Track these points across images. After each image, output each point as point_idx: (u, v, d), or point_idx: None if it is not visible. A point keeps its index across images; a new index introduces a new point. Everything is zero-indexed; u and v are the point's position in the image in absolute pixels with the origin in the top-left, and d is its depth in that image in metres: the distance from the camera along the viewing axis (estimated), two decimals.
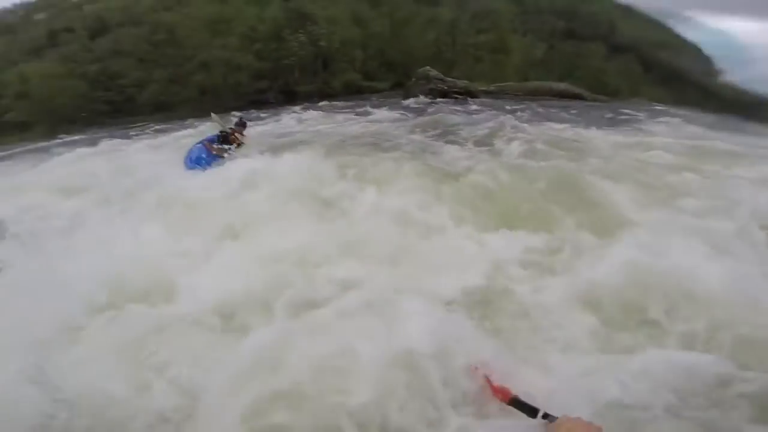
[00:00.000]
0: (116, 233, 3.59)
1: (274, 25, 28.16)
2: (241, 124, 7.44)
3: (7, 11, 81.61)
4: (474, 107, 15.90)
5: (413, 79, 22.21)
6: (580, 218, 3.58)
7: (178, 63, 27.67)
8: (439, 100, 19.70)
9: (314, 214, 3.70)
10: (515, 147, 5.71)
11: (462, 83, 21.38)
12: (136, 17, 44.31)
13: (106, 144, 12.86)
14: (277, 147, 6.66)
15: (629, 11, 79.26)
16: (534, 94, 24.71)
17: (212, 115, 7.95)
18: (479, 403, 1.45)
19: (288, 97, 26.12)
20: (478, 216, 3.57)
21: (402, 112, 14.92)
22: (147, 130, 20.04)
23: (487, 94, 25.91)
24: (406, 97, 20.65)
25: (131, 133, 17.26)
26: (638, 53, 49.51)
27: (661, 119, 12.10)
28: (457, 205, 3.79)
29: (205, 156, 6.60)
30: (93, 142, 14.20)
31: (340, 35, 29.31)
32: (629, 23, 67.26)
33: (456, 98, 19.12)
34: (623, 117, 12.69)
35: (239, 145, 7.11)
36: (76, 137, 22.78)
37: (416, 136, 7.21)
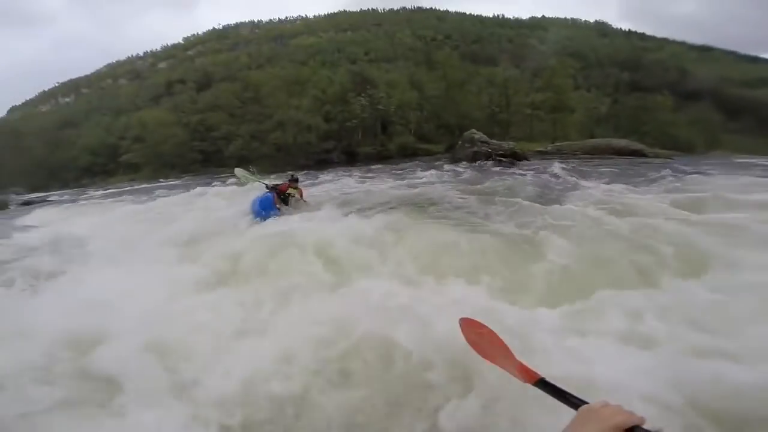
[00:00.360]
0: None
1: (341, 89, 31.14)
2: (294, 180, 7.04)
3: (137, 58, 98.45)
4: (518, 170, 15.02)
5: (459, 143, 22.12)
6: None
7: (260, 120, 31.30)
8: (486, 162, 19.65)
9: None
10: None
11: (508, 145, 20.93)
12: (233, 73, 51.47)
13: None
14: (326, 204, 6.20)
15: (708, 52, 72.47)
16: (592, 153, 24.47)
17: (236, 170, 8.01)
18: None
19: (350, 157, 28.30)
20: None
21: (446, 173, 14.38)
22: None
23: (543, 154, 25.98)
24: (453, 160, 20.53)
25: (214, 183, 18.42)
26: (719, 98, 46.81)
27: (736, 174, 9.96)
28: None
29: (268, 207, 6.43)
30: (186, 188, 16.07)
31: (398, 98, 31.34)
32: (707, 66, 60.55)
33: (500, 161, 18.61)
34: (679, 174, 9.93)
35: (290, 197, 6.89)
36: (174, 182, 26.31)
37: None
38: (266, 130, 30.10)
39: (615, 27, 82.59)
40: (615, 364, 1.83)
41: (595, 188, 7.99)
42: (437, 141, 31.13)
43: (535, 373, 1.15)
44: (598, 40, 75.14)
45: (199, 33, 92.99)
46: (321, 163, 27.00)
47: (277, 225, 5.25)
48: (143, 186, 24.12)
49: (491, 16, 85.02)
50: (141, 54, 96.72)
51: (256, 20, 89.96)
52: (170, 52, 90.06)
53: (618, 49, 70.39)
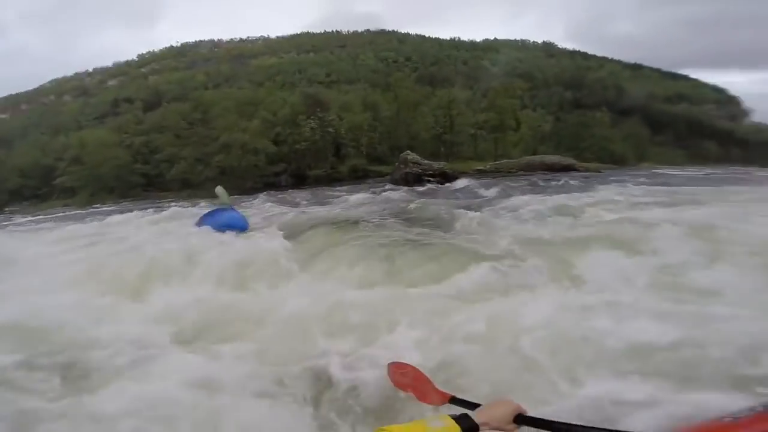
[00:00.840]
0: None
1: (291, 111, 30.83)
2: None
3: (86, 74, 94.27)
4: (439, 188, 16.15)
5: (396, 164, 22.69)
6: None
7: (205, 143, 30.36)
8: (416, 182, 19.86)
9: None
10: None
11: (438, 165, 21.35)
12: (186, 93, 50.01)
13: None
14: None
15: (639, 70, 79.33)
16: (527, 170, 25.94)
17: (217, 188, 8.43)
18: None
19: (299, 180, 27.87)
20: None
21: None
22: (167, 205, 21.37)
23: (483, 173, 26.73)
24: (391, 182, 20.93)
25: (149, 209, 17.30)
26: (647, 113, 51.63)
27: (632, 181, 12.64)
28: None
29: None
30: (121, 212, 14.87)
31: (349, 120, 31.43)
32: (639, 83, 65.43)
33: (428, 181, 19.20)
34: (582, 184, 13.04)
35: None
36: (110, 207, 24.47)
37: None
38: (211, 152, 29.06)
39: (561, 47, 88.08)
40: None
41: (491, 200, 9.45)
42: (390, 162, 30.40)
43: (447, 394, 1.37)
44: (546, 60, 79.54)
45: (156, 50, 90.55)
46: (269, 185, 26.43)
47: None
48: (75, 212, 22.68)
49: (448, 38, 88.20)
50: (90, 70, 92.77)
51: (216, 39, 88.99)
52: (122, 69, 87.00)
53: (563, 68, 74.69)
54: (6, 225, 17.55)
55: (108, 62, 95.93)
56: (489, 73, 70.30)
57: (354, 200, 12.52)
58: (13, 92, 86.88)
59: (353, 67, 71.01)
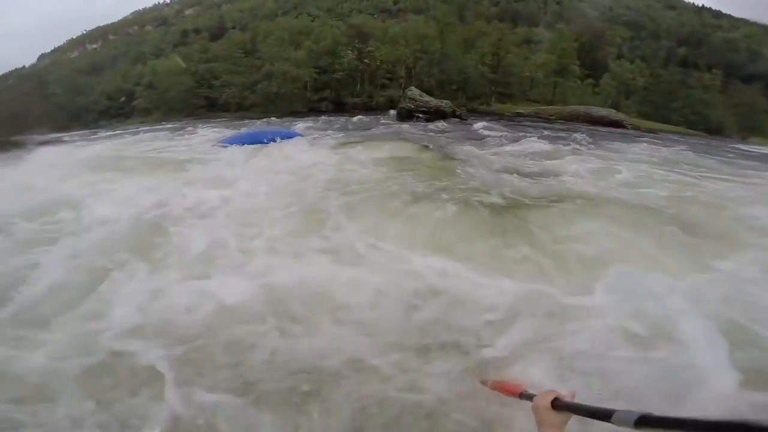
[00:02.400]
0: None
1: (333, 42, 32.37)
2: None
3: (164, 4, 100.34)
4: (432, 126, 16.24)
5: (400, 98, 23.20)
6: None
7: (251, 71, 33.43)
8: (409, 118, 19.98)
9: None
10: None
11: (437, 103, 21.36)
12: (248, 22, 52.87)
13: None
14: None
15: None
16: (569, 119, 25.29)
17: None
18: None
19: (338, 106, 30.11)
20: None
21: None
22: (219, 125, 24.96)
23: (522, 116, 26.35)
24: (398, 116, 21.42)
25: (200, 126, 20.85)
26: None
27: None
28: None
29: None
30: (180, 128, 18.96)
31: (387, 53, 32.28)
32: None
33: (418, 117, 19.62)
34: (599, 143, 11.78)
35: None
36: (173, 124, 28.99)
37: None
38: (257, 80, 32.09)
39: (686, 1, 77.30)
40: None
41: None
42: (437, 95, 31.75)
43: (518, 387, 1.46)
44: (662, 11, 71.27)
45: None
46: (312, 110, 29.67)
47: None
48: (145, 128, 26.75)
49: None
50: (167, 1, 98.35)
51: None
52: None
53: (682, 23, 66.67)
54: (97, 138, 22.14)
55: None
56: (583, 15, 64.26)
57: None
58: (101, 24, 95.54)
59: None
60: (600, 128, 21.82)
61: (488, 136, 11.96)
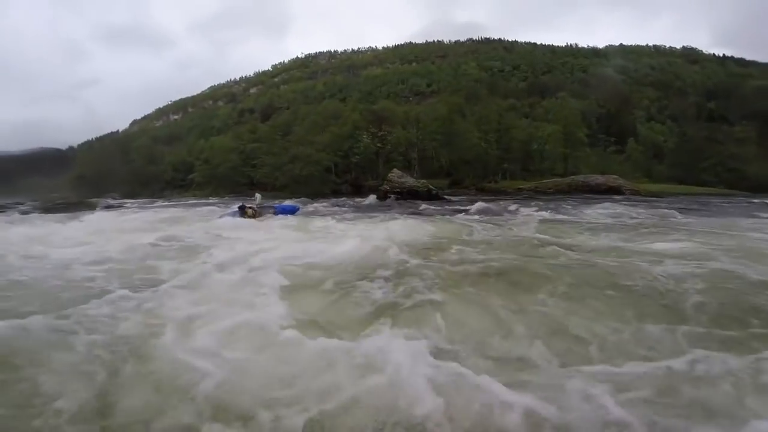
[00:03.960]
0: None
1: (352, 126, 36.97)
2: (251, 206, 11.98)
3: (234, 82, 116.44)
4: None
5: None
6: None
7: (280, 154, 38.28)
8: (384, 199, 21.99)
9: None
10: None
11: (412, 183, 23.12)
12: (300, 103, 61.08)
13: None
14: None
15: None
16: (568, 191, 26.21)
17: (257, 194, 13.96)
18: None
19: (356, 189, 33.90)
20: None
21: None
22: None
23: (521, 191, 27.96)
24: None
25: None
26: None
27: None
28: None
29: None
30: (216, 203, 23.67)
31: (396, 136, 35.61)
32: None
33: (389, 197, 21.61)
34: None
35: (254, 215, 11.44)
36: (216, 199, 34.07)
37: None
38: (282, 163, 36.91)
39: (706, 53, 77.24)
40: None
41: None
42: (442, 177, 35.16)
43: None
44: (685, 67, 71.85)
45: (285, 61, 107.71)
46: (335, 192, 33.41)
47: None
48: (193, 201, 31.72)
49: (563, 45, 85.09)
50: (237, 79, 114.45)
51: (332, 50, 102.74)
52: (260, 78, 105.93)
53: (708, 76, 66.55)
54: (151, 206, 27.68)
55: (250, 71, 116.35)
56: (610, 80, 66.94)
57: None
58: (183, 96, 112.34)
59: (454, 77, 74.76)
60: (598, 195, 22.24)
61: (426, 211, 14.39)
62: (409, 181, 23.57)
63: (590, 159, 37.14)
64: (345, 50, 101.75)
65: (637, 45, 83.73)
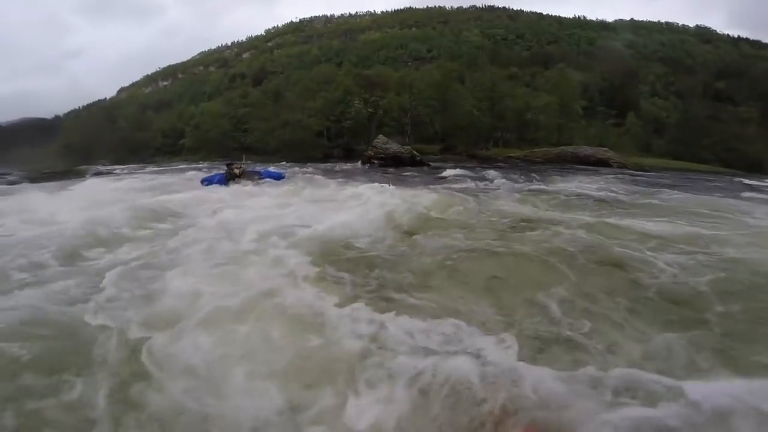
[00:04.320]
0: None
1: (343, 91, 36.11)
2: (238, 167, 11.55)
3: (225, 48, 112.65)
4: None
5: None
6: None
7: (272, 119, 37.60)
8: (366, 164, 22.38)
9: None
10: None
11: (396, 149, 22.97)
12: (294, 68, 59.20)
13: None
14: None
15: None
16: (556, 160, 26.21)
17: (243, 157, 13.80)
18: None
19: (348, 153, 33.18)
20: None
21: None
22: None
23: (512, 159, 27.88)
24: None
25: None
26: None
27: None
28: None
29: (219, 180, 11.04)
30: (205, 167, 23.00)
31: (390, 101, 34.93)
32: None
33: (372, 164, 21.92)
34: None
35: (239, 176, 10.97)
36: (206, 164, 33.29)
37: None
38: (272, 128, 36.25)
39: (721, 33, 75.35)
40: None
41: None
42: (437, 143, 34.72)
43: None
44: (697, 46, 70.31)
45: (279, 26, 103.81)
46: (327, 156, 32.74)
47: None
48: (184, 165, 30.98)
49: (571, 17, 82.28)
50: (228, 44, 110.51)
51: (329, 14, 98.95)
52: (253, 43, 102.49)
53: (720, 56, 65.18)
54: (143, 172, 26.93)
55: (242, 36, 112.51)
56: (617, 54, 65.17)
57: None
58: (172, 63, 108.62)
59: (455, 43, 72.40)
60: (586, 167, 22.32)
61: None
62: (393, 147, 23.14)
63: (588, 131, 36.71)
64: (342, 14, 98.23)
65: (649, 21, 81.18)
